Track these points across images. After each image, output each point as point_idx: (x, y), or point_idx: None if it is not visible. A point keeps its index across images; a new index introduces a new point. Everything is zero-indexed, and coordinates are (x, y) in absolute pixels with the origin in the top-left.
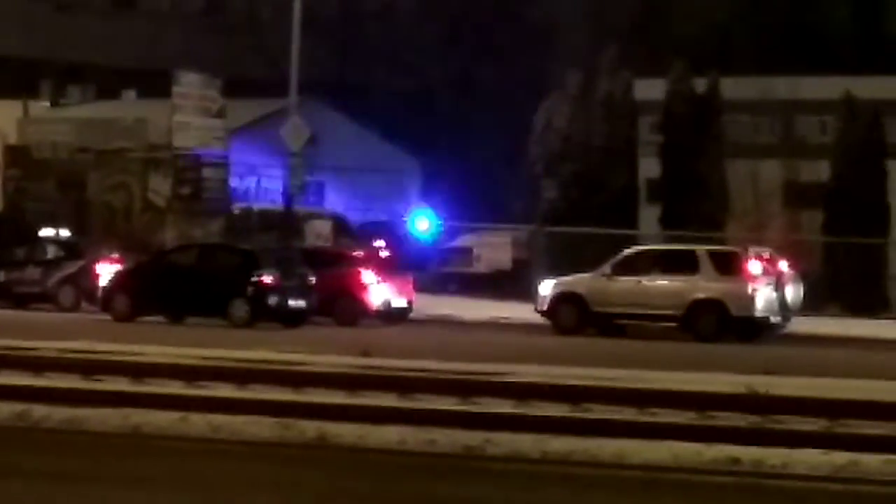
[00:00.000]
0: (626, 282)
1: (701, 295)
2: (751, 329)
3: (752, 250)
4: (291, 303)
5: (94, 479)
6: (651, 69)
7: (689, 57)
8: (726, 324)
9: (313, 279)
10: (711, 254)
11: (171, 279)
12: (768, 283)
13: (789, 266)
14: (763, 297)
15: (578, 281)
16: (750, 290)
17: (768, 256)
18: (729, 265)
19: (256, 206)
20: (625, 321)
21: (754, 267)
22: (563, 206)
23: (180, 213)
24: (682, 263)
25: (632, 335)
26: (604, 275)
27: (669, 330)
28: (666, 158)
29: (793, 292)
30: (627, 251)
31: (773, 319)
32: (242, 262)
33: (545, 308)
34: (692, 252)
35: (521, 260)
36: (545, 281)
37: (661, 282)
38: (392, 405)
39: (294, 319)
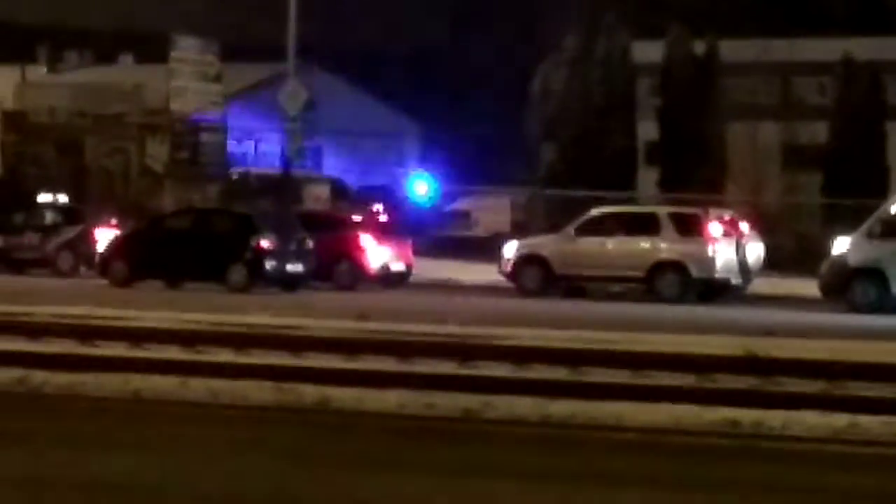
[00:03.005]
0: (590, 243)
1: (662, 256)
2: (711, 290)
3: (712, 212)
4: (289, 267)
5: (92, 443)
6: (649, 31)
7: (687, 19)
8: (687, 285)
9: (311, 243)
10: (673, 215)
11: (169, 244)
12: (729, 245)
13: (750, 227)
14: (723, 258)
15: (542, 242)
16: (710, 252)
17: (729, 218)
18: (690, 227)
19: (254, 171)
20: (588, 283)
21: (715, 228)
22: (562, 168)
23: (178, 177)
24: (644, 225)
25: (593, 297)
26: (568, 236)
27: (631, 292)
28: (664, 121)
29: (754, 253)
30: (591, 212)
31: (734, 281)
32: (240, 227)
33: (509, 270)
34: (654, 214)
35: (520, 223)
36: (509, 242)
37: (624, 243)
38: (391, 369)
39: (292, 284)
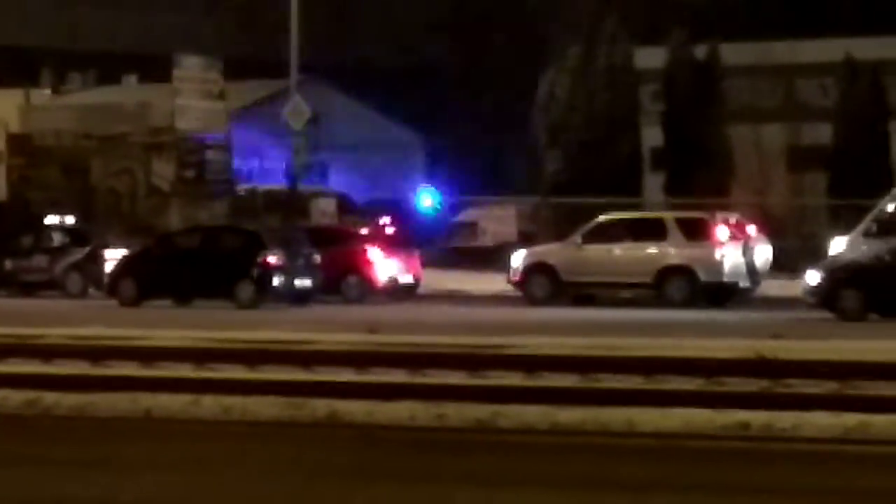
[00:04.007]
0: (597, 250)
1: (670, 261)
2: (720, 294)
3: (719, 216)
4: (297, 282)
5: (103, 464)
6: (651, 37)
7: (688, 24)
8: (696, 290)
9: (318, 258)
10: (679, 220)
11: (177, 262)
12: (736, 248)
13: (757, 230)
14: (731, 261)
15: (549, 251)
16: (718, 256)
17: (736, 221)
18: (697, 231)
19: (261, 187)
20: (595, 290)
21: (722, 232)
22: (567, 176)
23: (185, 196)
24: (651, 230)
25: (601, 304)
26: (574, 244)
27: (640, 298)
28: (668, 126)
29: (761, 256)
30: (598, 219)
31: (742, 284)
32: (247, 244)
33: (517, 279)
34: (660, 219)
35: (527, 232)
36: (517, 251)
37: (631, 249)
38: (402, 381)
39: (300, 299)
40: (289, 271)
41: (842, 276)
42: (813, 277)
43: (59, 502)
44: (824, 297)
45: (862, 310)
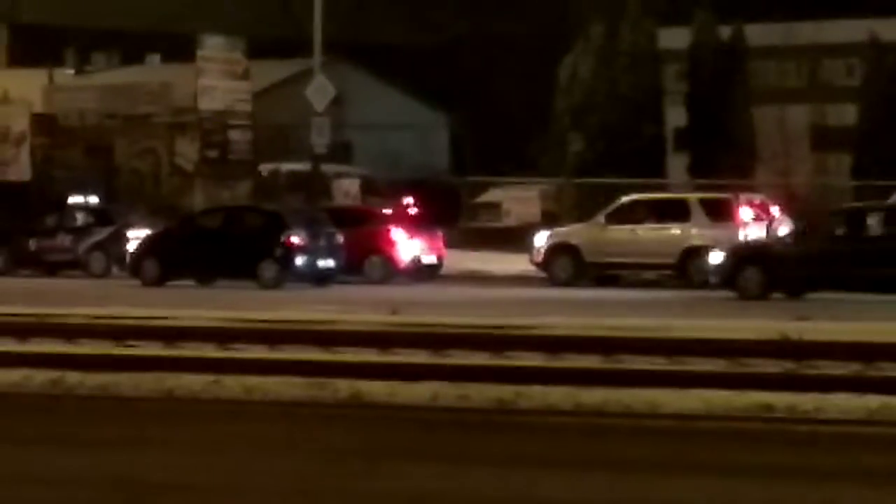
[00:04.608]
0: (620, 231)
1: (693, 242)
2: None
3: (743, 196)
4: (320, 263)
5: (125, 444)
6: (675, 18)
7: (712, 4)
8: None
9: (341, 238)
10: (703, 201)
11: (200, 243)
12: (760, 229)
13: (780, 210)
14: None
15: (573, 231)
16: (741, 236)
17: (760, 202)
18: (720, 212)
19: (284, 167)
20: (619, 271)
21: (745, 213)
22: (591, 157)
23: (208, 176)
24: (675, 211)
25: (624, 285)
26: (598, 224)
27: (662, 278)
28: (692, 107)
29: None
30: (621, 200)
31: None
32: (270, 224)
33: (540, 259)
34: (684, 200)
35: (550, 213)
36: (540, 232)
37: (655, 230)
38: (424, 361)
39: (322, 279)
40: (311, 251)
41: (743, 255)
42: (716, 257)
43: (80, 481)
44: (726, 276)
45: (763, 289)
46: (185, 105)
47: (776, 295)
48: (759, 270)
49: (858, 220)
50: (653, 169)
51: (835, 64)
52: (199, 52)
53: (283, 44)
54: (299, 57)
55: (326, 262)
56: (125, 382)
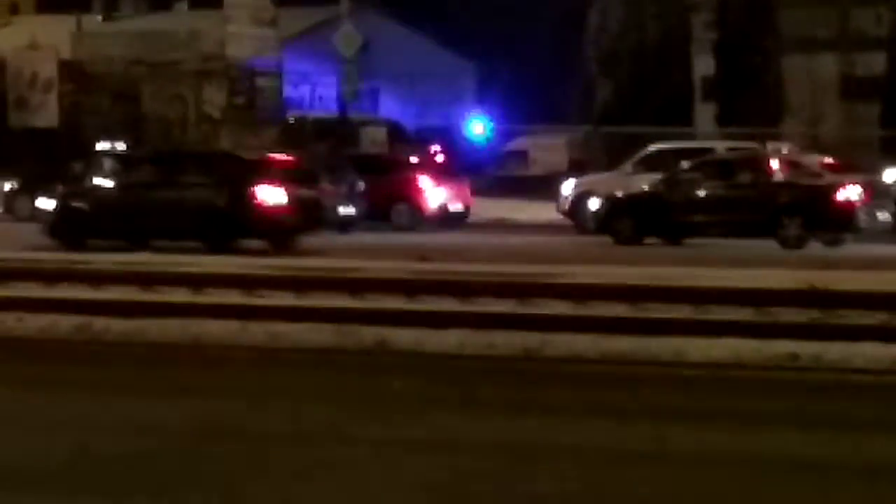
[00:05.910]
0: (647, 179)
1: None
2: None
3: (770, 145)
4: (341, 210)
5: (150, 389)
6: None
7: None
8: None
9: (362, 186)
10: (730, 150)
11: None
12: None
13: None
14: None
15: (599, 180)
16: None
17: (788, 151)
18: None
19: (311, 115)
20: None
21: (773, 164)
22: (618, 105)
23: (235, 123)
24: None
25: None
26: (625, 173)
27: None
28: (720, 56)
29: None
30: (648, 149)
31: None
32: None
33: (567, 209)
34: (710, 150)
35: (577, 161)
36: (567, 181)
37: None
38: (451, 309)
39: (343, 227)
40: (334, 199)
41: (618, 203)
42: (593, 204)
43: (102, 426)
44: (602, 222)
45: (634, 235)
46: (213, 52)
47: (652, 240)
48: (630, 218)
49: (727, 168)
50: (680, 118)
51: (864, 13)
52: None
53: None
54: (327, 4)
55: (347, 210)
56: (151, 328)
